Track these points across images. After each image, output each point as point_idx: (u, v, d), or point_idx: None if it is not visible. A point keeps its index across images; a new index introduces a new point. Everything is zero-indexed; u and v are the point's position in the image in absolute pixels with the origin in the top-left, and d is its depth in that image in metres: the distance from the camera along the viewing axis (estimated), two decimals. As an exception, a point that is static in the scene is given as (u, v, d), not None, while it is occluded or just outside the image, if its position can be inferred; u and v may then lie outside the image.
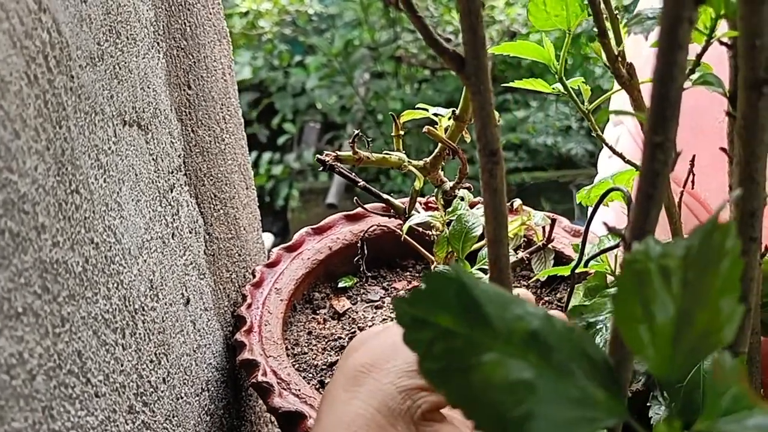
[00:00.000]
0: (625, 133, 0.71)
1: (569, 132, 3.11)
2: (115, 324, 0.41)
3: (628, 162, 0.47)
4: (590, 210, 0.83)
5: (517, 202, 0.69)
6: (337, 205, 3.23)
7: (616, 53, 0.41)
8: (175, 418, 0.49)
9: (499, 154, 0.36)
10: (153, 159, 0.48)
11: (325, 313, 0.67)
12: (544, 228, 0.66)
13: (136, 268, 0.44)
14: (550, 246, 0.66)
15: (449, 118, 0.50)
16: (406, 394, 0.39)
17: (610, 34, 0.42)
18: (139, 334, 0.44)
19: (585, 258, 0.49)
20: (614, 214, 0.80)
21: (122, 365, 0.42)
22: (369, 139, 0.50)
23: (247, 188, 0.69)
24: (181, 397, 0.50)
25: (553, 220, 0.64)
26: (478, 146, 0.36)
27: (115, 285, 0.42)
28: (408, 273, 0.73)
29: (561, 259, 0.68)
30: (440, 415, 0.40)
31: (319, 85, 3.53)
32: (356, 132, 0.51)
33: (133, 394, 0.43)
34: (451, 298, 0.27)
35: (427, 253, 0.64)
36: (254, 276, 0.64)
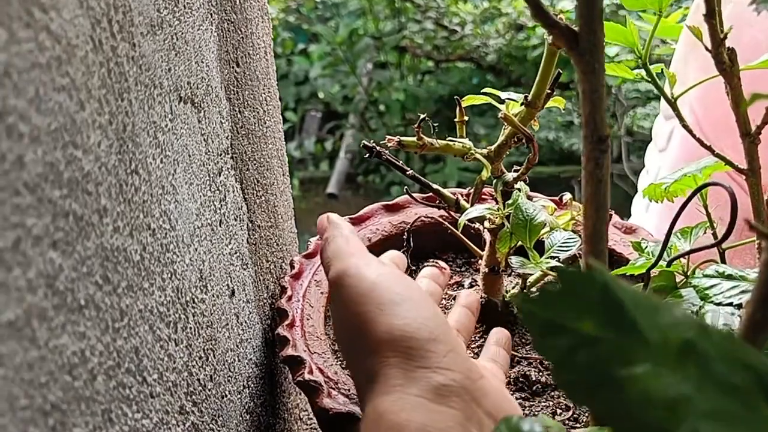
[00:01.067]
0: (678, 126, 0.68)
1: (571, 127, 3.09)
2: (169, 318, 0.38)
3: (718, 155, 0.43)
4: (643, 207, 0.80)
5: (567, 196, 0.66)
6: (337, 195, 3.19)
7: (722, 37, 0.38)
8: (220, 418, 0.46)
9: (607, 141, 0.33)
10: (204, 139, 0.44)
11: (364, 308, 0.63)
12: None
13: (188, 257, 0.41)
14: (600, 243, 0.63)
15: (521, 104, 0.47)
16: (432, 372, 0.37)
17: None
18: (190, 328, 0.41)
19: (668, 259, 0.46)
20: (656, 216, 0.77)
21: (174, 362, 0.39)
22: (435, 124, 0.47)
23: (283, 174, 0.65)
24: (226, 396, 0.47)
25: (609, 216, 0.61)
26: (584, 132, 0.33)
27: (170, 275, 0.38)
28: (448, 267, 0.70)
29: (611, 256, 0.65)
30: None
31: (322, 74, 3.49)
32: (422, 116, 0.47)
33: (183, 393, 0.40)
34: (593, 301, 0.24)
35: (475, 248, 0.61)
36: (292, 267, 0.61)
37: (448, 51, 3.35)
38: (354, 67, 3.43)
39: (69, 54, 0.28)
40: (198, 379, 0.42)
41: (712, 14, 0.36)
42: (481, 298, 0.60)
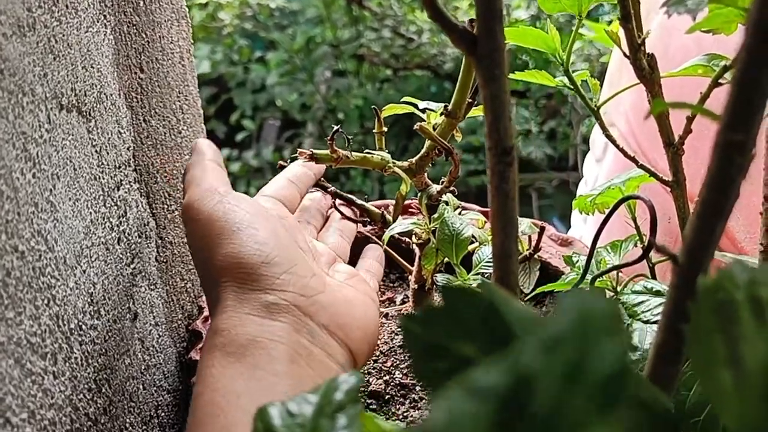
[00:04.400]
0: (616, 136, 0.66)
1: (529, 136, 3.10)
2: (45, 349, 0.34)
3: (642, 167, 0.42)
4: (581, 219, 0.78)
5: (502, 207, 0.64)
6: (295, 205, 3.15)
7: (639, 41, 0.36)
8: (118, 454, 0.42)
9: (513, 153, 0.31)
10: (96, 151, 0.41)
11: (290, 327, 0.60)
12: (529, 237, 0.61)
13: (73, 281, 0.37)
14: (536, 256, 0.61)
15: (440, 114, 0.44)
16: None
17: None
18: (75, 358, 0.37)
19: (591, 275, 0.44)
20: (594, 227, 0.75)
21: (53, 398, 0.35)
22: (349, 137, 0.44)
23: (205, 187, 0.62)
24: (126, 428, 0.43)
25: (542, 229, 0.59)
26: (488, 143, 0.31)
27: (45, 302, 0.35)
28: (380, 283, 0.67)
29: (547, 269, 0.63)
30: None
31: (280, 82, 3.44)
32: (336, 127, 0.44)
33: (66, 431, 0.36)
34: (476, 322, 0.21)
35: (405, 264, 0.59)
36: (212, 285, 0.57)
37: (405, 59, 3.34)
38: (312, 75, 3.40)
39: None
40: (86, 414, 0.38)
41: (628, 18, 0.34)
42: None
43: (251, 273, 0.40)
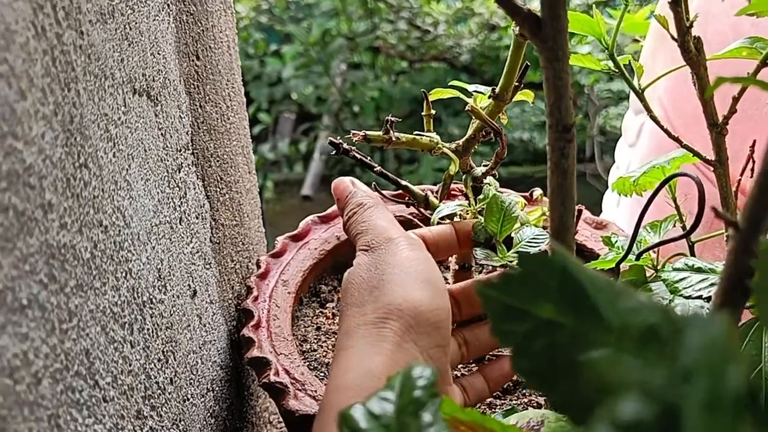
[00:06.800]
0: (648, 121, 0.67)
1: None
2: (124, 318, 0.36)
3: (686, 147, 0.43)
4: (614, 203, 0.79)
5: (537, 191, 0.66)
6: (312, 197, 3.17)
7: (688, 25, 0.37)
8: (182, 423, 0.44)
9: (572, 130, 0.32)
10: (162, 134, 0.43)
11: (333, 308, 0.62)
12: (565, 219, 0.62)
13: (145, 256, 0.39)
14: (571, 238, 0.62)
15: (489, 97, 0.46)
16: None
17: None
18: (148, 329, 0.40)
19: (635, 252, 0.45)
20: (627, 211, 0.77)
21: (130, 365, 0.37)
22: (398, 120, 0.46)
23: (249, 172, 0.64)
24: (188, 399, 0.46)
25: (579, 211, 0.60)
26: (549, 121, 0.32)
27: (124, 274, 0.37)
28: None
29: (582, 252, 0.65)
30: None
31: (295, 75, 3.45)
32: (389, 118, 0.46)
33: (141, 397, 0.38)
34: (553, 285, 0.23)
35: (445, 244, 0.60)
36: (259, 267, 0.59)
37: (421, 51, 3.34)
38: (327, 68, 3.41)
39: (7, 40, 0.26)
40: (157, 382, 0.41)
41: (678, 2, 0.36)
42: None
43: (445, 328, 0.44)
